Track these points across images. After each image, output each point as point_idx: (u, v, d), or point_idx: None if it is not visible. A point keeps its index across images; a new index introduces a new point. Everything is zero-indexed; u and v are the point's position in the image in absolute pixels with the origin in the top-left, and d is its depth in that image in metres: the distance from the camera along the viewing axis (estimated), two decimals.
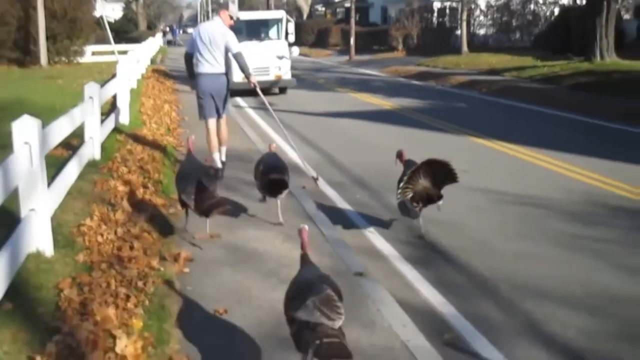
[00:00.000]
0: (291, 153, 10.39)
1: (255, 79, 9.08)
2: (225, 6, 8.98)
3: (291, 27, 20.64)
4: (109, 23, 32.75)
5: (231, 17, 8.91)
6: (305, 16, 58.18)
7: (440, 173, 6.38)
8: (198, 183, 6.17)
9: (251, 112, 16.08)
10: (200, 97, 8.98)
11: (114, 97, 12.34)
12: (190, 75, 9.19)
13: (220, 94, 8.94)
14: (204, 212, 6.13)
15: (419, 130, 13.09)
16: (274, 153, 7.27)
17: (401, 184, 6.33)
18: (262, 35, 20.61)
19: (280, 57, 19.31)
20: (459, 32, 35.50)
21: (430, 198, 6.41)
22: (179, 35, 76.25)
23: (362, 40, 41.44)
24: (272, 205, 7.26)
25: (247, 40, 19.90)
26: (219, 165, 8.99)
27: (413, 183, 6.34)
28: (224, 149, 9.21)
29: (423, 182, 6.36)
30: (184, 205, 6.43)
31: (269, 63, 19.10)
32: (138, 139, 10.64)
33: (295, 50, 22.18)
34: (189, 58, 9.08)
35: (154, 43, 38.64)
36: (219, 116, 9.06)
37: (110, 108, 12.81)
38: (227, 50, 8.78)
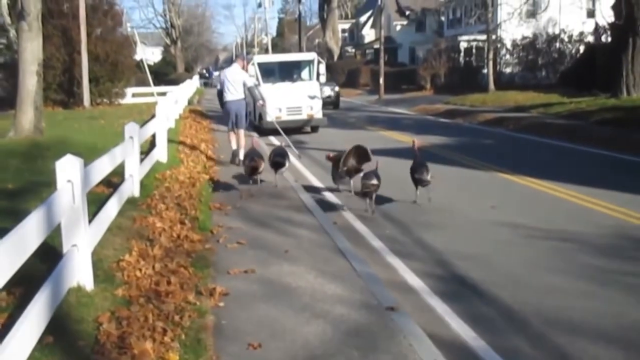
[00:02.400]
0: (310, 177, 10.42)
1: (262, 102, 14.73)
2: (241, 57, 14.92)
3: (322, 68, 20.80)
4: (149, 66, 33.42)
5: (244, 63, 14.28)
6: (335, 57, 58.56)
7: (361, 155, 9.75)
8: (253, 156, 10.70)
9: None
10: (227, 115, 13.56)
11: (153, 136, 12.51)
12: (221, 105, 13.92)
13: (239, 112, 13.34)
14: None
15: (447, 166, 13.02)
16: (280, 146, 11.70)
17: (340, 164, 9.77)
18: (295, 76, 20.82)
19: (312, 97, 19.48)
20: (485, 70, 35.48)
21: (357, 171, 9.77)
22: (215, 77, 77.36)
23: (391, 80, 41.62)
24: (304, 242, 7.30)
25: (280, 81, 20.12)
26: (241, 157, 12.85)
27: (346, 163, 9.72)
28: (242, 150, 13.18)
29: (352, 162, 9.77)
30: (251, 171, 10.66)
31: (302, 103, 19.29)
32: (175, 177, 10.73)
33: (327, 90, 22.36)
34: (220, 93, 13.65)
35: (191, 85, 39.24)
36: (238, 128, 13.46)
37: (149, 147, 12.98)
38: (244, 84, 13.25)
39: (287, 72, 20.82)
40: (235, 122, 13.38)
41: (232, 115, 13.34)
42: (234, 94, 13.24)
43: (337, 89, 31.98)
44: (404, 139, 18.24)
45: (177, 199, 9.05)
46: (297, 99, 19.29)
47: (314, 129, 20.23)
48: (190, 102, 32.61)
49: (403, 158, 14.22)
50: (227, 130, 13.89)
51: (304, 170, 13.00)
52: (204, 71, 77.59)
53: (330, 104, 29.38)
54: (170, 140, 13.90)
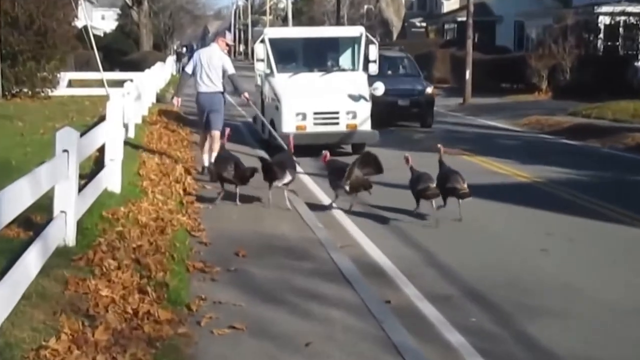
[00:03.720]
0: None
1: (248, 94, 16.77)
2: (222, 34, 15.39)
3: (373, 52, 20.58)
4: (97, 37, 33.69)
5: (227, 44, 16.12)
6: (395, 35, 58.80)
7: (371, 164, 12.61)
8: (235, 163, 13.01)
9: (307, 180, 16.17)
10: (199, 114, 16.10)
11: (101, 151, 12.61)
12: (177, 91, 17.01)
13: (213, 108, 15.47)
14: (242, 179, 12.93)
15: (572, 217, 12.92)
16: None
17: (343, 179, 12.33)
18: (329, 63, 20.82)
19: (357, 98, 19.31)
20: (638, 63, 35.34)
21: (365, 187, 12.63)
22: None
23: (483, 74, 41.57)
24: (337, 330, 7.30)
25: (306, 70, 19.97)
26: (206, 163, 15.53)
27: (350, 176, 12.27)
28: (214, 154, 14.97)
29: (358, 174, 12.42)
30: (222, 181, 13.01)
31: (339, 106, 19.21)
32: (134, 217, 10.80)
33: (380, 87, 22.33)
34: (187, 76, 16.22)
35: (164, 70, 39.61)
36: (210, 130, 15.57)
37: (94, 168, 13.09)
38: (224, 72, 15.40)
39: (317, 55, 20.89)
40: (207, 121, 15.58)
41: (205, 113, 15.58)
42: (209, 85, 15.41)
43: (429, 89, 29.00)
44: (503, 169, 18.21)
45: (135, 253, 9.08)
46: (332, 100, 19.24)
47: (357, 147, 19.75)
48: (160, 98, 32.82)
49: (496, 200, 14.16)
50: (200, 135, 16.33)
51: (340, 215, 12.99)
52: (184, 50, 78.29)
53: (413, 116, 28.03)
54: (127, 159, 14.01)
